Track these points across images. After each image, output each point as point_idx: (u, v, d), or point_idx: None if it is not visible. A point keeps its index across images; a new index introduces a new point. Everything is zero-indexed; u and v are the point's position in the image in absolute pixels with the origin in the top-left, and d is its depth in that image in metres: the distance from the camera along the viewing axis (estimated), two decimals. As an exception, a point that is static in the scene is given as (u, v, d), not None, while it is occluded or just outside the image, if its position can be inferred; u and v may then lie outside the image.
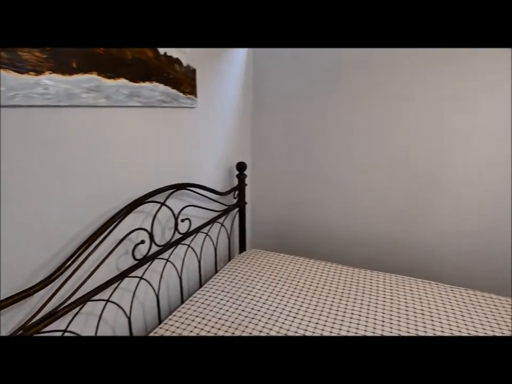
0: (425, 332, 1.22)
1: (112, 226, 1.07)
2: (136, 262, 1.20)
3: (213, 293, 1.45)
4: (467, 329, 1.23)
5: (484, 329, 1.23)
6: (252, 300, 1.40)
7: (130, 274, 1.18)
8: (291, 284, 1.54)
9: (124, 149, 1.16)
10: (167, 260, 1.39)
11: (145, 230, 1.23)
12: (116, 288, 1.14)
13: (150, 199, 1.22)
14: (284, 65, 1.97)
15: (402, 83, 1.75)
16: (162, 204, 1.29)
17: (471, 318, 1.29)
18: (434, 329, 1.23)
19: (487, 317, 1.29)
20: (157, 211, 1.28)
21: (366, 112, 1.85)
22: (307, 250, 2.18)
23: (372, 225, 1.99)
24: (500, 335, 1.19)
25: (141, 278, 1.24)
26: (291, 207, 2.18)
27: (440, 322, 1.27)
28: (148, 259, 1.25)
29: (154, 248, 1.29)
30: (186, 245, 1.52)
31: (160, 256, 1.33)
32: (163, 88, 1.29)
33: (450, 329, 1.23)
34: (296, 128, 2.03)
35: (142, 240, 1.21)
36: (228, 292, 1.45)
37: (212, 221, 1.68)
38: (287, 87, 1.99)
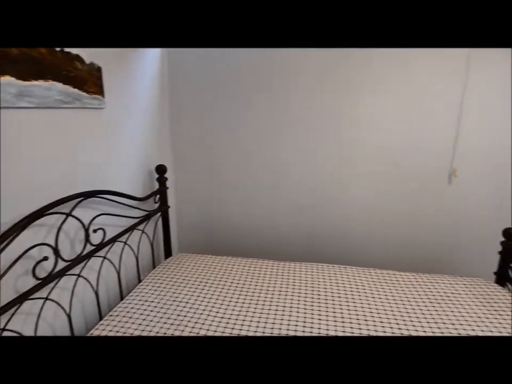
0: (348, 313, 1.33)
1: (4, 244, 0.93)
2: (39, 281, 1.07)
3: (136, 304, 1.37)
4: (390, 306, 1.38)
5: (400, 305, 1.39)
6: (178, 305, 1.37)
7: (33, 296, 1.05)
8: (219, 284, 1.54)
9: (15, 156, 1.02)
10: (79, 275, 1.27)
11: (48, 245, 1.10)
12: (13, 314, 1.00)
13: (52, 210, 1.10)
14: (203, 66, 1.96)
15: (306, 87, 1.88)
16: (68, 214, 1.17)
17: (386, 295, 1.46)
18: (349, 310, 1.35)
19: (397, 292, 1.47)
20: (62, 223, 1.16)
21: (276, 112, 1.95)
22: (237, 249, 2.20)
23: (295, 217, 2.10)
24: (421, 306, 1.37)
25: (46, 298, 1.11)
26: (218, 208, 2.18)
27: (354, 303, 1.40)
28: (53, 277, 1.12)
29: (62, 264, 1.17)
30: (102, 256, 1.41)
31: (69, 272, 1.20)
32: (62, 87, 1.17)
33: (370, 308, 1.36)
34: (215, 127, 2.04)
35: (44, 257, 1.08)
36: (152, 301, 1.39)
37: (131, 229, 1.58)
38: (205, 87, 1.99)
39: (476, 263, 1.94)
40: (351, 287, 1.51)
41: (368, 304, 1.39)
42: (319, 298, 1.43)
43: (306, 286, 1.53)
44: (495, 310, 1.34)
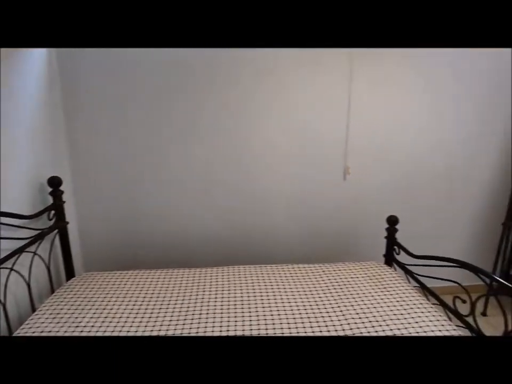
0: (263, 312, 1.38)
1: None
2: None
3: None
4: (307, 296, 1.47)
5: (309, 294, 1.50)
6: (81, 331, 1.24)
7: None
8: (130, 300, 1.45)
9: None
10: None
11: None
12: None
13: None
14: (100, 67, 1.81)
15: (219, 90, 1.91)
16: None
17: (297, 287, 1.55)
18: (263, 308, 1.40)
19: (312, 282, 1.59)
20: None
21: (183, 117, 1.93)
22: (151, 260, 2.10)
23: (210, 225, 2.10)
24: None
25: None
26: (127, 219, 2.04)
27: (274, 298, 1.46)
28: None
29: None
30: (-21, 289, 1.19)
31: None
32: None
33: (289, 301, 1.44)
34: (118, 134, 1.91)
35: None
36: (49, 332, 1.23)
37: (18, 252, 1.37)
38: (106, 90, 1.85)
39: (371, 248, 2.21)
40: (266, 285, 1.58)
41: (281, 299, 1.47)
42: (235, 300, 1.45)
43: (223, 290, 1.54)
44: (384, 288, 1.55)
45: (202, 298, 1.47)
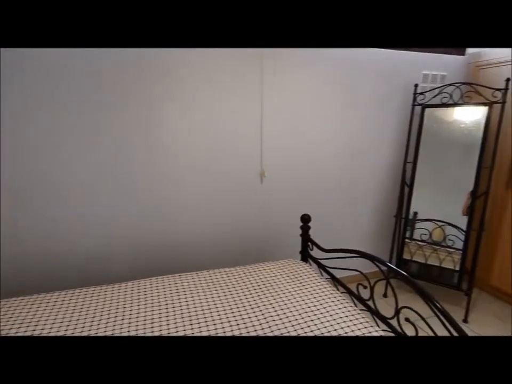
0: (189, 317, 1.32)
1: None
2: None
3: None
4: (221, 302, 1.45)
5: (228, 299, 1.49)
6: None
7: None
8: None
9: None
10: None
11: None
12: None
13: None
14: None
15: (109, 92, 1.78)
16: None
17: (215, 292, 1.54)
18: (190, 314, 1.36)
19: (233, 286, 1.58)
20: None
21: (78, 121, 1.77)
22: (53, 284, 1.86)
23: (112, 239, 1.96)
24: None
25: None
26: (27, 237, 1.77)
27: (187, 307, 1.42)
28: None
29: None
30: None
31: None
32: None
33: (204, 308, 1.40)
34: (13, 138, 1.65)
35: None
36: None
37: None
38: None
39: (290, 246, 2.32)
40: (185, 294, 1.53)
41: (201, 305, 1.44)
42: (152, 314, 1.38)
43: (139, 304, 1.45)
44: (300, 283, 1.65)
45: (115, 316, 1.36)
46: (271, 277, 1.72)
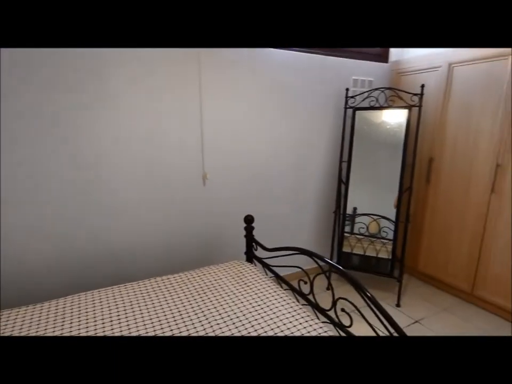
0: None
1: None
2: None
3: None
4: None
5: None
6: None
7: None
8: None
9: None
10: None
11: None
12: None
13: None
14: None
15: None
16: None
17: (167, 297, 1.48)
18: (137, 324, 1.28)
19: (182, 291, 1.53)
20: None
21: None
22: None
23: (46, 251, 1.79)
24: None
25: None
26: None
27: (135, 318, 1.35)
28: None
29: None
30: None
31: None
32: None
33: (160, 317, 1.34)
34: None
35: None
36: None
37: None
38: None
39: (236, 248, 2.34)
40: (124, 305, 1.45)
41: (142, 316, 1.38)
42: (87, 331, 1.28)
43: (71, 322, 1.33)
44: (245, 284, 1.66)
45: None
46: (215, 280, 1.70)
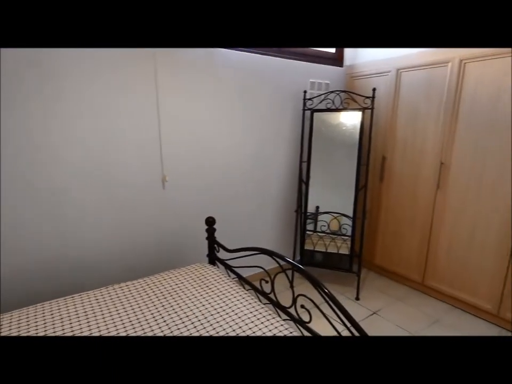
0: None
1: None
2: None
3: None
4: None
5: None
6: None
7: None
8: None
9: None
10: None
11: None
12: None
13: None
14: None
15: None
16: None
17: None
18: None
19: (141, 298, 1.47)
20: None
21: None
22: None
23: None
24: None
25: None
26: None
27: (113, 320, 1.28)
28: None
29: None
30: None
31: None
32: None
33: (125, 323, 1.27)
34: None
35: None
36: None
37: None
38: None
39: (198, 250, 2.31)
40: (78, 317, 1.38)
41: (98, 327, 1.32)
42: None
43: (28, 333, 1.24)
44: (207, 286, 1.65)
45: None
46: (176, 284, 1.67)
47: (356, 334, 1.19)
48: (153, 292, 1.60)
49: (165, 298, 1.54)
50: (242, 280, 1.76)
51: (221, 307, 1.47)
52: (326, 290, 1.27)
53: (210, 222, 1.92)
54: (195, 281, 1.71)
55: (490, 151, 2.04)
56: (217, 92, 2.21)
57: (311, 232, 2.75)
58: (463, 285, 2.28)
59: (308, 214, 2.72)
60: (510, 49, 1.86)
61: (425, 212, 2.44)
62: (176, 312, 1.42)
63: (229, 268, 1.84)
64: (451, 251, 2.32)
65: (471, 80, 2.07)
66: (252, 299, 1.54)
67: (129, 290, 1.61)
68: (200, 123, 2.19)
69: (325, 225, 2.70)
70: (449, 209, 2.29)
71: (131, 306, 1.47)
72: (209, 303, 1.49)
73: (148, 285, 1.67)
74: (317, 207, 2.76)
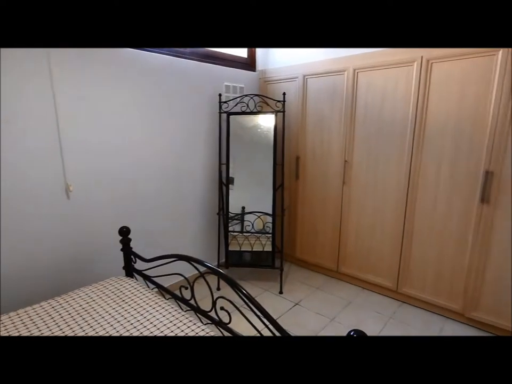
0: None
1: None
2: None
3: None
4: None
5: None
6: None
7: None
8: None
9: None
10: None
11: None
12: None
13: None
14: None
15: None
16: None
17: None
18: None
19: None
20: None
21: None
22: None
23: None
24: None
25: None
26: None
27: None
28: None
29: None
30: None
31: None
32: None
33: None
34: None
35: None
36: None
37: None
38: None
39: (114, 263, 2.15)
40: None
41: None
42: None
43: None
44: (124, 301, 1.55)
45: None
46: (87, 303, 1.54)
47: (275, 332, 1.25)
48: (60, 315, 1.44)
49: (74, 320, 1.40)
50: (162, 290, 1.70)
51: (138, 320, 1.40)
52: (244, 291, 1.30)
53: (124, 232, 1.81)
54: (109, 296, 1.59)
55: (380, 151, 2.34)
56: (128, 95, 2.09)
57: (236, 233, 2.79)
58: (369, 268, 2.58)
59: (233, 215, 2.76)
60: (395, 60, 2.16)
61: (335, 205, 2.68)
62: (86, 334, 1.31)
63: (147, 278, 1.76)
64: (358, 239, 2.60)
65: (363, 88, 2.35)
66: (172, 308, 1.50)
67: (29, 317, 1.42)
68: (110, 128, 2.04)
69: (249, 225, 2.77)
70: (354, 202, 2.56)
71: (31, 335, 1.30)
72: (125, 318, 1.41)
73: (52, 307, 1.50)
74: (243, 208, 2.81)
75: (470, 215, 2.02)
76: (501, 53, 1.78)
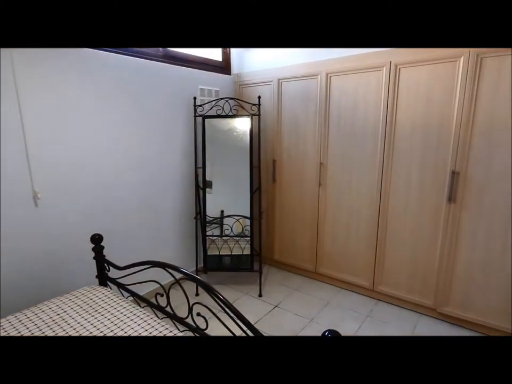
0: None
1: None
2: None
3: None
4: None
5: None
6: None
7: None
8: None
9: None
10: None
11: None
12: None
13: None
14: None
15: None
16: None
17: None
18: None
19: None
20: None
21: None
22: None
23: None
24: None
25: None
26: None
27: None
28: None
29: None
30: None
31: None
32: None
33: None
34: None
35: None
36: None
37: None
38: None
39: (85, 272, 2.07)
40: None
41: None
42: None
43: None
44: (96, 311, 1.50)
45: None
46: (58, 315, 1.47)
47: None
48: (28, 328, 1.37)
49: (44, 334, 1.34)
50: (138, 298, 1.66)
51: (112, 331, 1.36)
52: (221, 296, 1.29)
53: (97, 239, 1.76)
54: (81, 307, 1.53)
55: (354, 153, 2.40)
56: (98, 99, 2.03)
57: (215, 237, 2.76)
58: (346, 268, 2.63)
59: (210, 219, 2.74)
60: (365, 65, 2.23)
61: (312, 207, 2.72)
62: (56, 347, 1.25)
63: (121, 286, 1.71)
64: (334, 240, 2.64)
65: (336, 92, 2.40)
66: (148, 316, 1.47)
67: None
68: (80, 134, 1.97)
69: (228, 229, 2.75)
70: (330, 203, 2.61)
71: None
72: (98, 329, 1.36)
73: (20, 321, 1.42)
74: (222, 211, 2.79)
75: (439, 214, 2.11)
76: (462, 59, 1.88)
